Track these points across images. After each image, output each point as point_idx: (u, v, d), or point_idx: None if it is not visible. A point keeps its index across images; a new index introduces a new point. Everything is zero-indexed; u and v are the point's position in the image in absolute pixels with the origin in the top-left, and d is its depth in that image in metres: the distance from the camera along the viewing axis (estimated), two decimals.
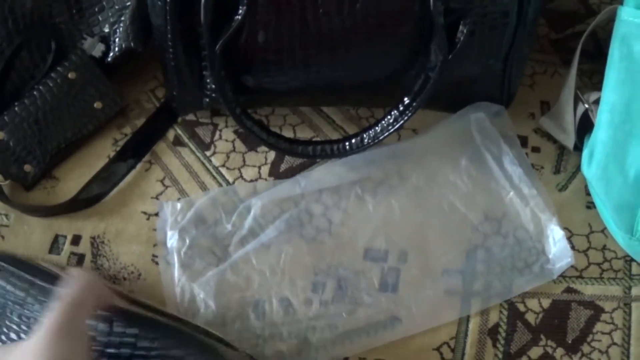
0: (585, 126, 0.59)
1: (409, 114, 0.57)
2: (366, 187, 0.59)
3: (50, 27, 0.61)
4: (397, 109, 0.57)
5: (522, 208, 0.57)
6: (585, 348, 0.53)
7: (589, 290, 0.56)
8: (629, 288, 0.56)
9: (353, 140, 0.59)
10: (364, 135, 0.58)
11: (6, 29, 0.60)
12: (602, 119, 0.55)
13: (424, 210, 0.58)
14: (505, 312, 0.55)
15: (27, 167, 0.60)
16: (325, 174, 0.59)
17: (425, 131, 0.62)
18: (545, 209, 0.57)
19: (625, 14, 0.51)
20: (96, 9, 0.62)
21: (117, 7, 0.61)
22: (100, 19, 0.62)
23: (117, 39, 0.61)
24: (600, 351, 0.53)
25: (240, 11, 0.53)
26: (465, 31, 0.53)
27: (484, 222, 0.57)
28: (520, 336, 0.54)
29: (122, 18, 0.61)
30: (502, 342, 0.54)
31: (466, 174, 0.59)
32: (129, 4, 0.61)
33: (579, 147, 0.61)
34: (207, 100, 0.61)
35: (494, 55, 0.57)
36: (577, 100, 0.60)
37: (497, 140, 0.60)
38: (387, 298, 0.55)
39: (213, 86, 0.59)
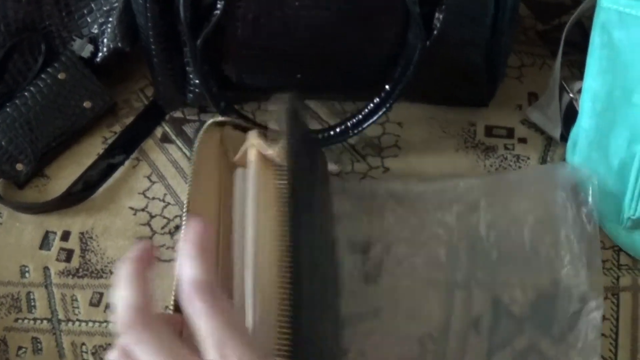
0: (571, 116, 0.59)
1: (391, 102, 0.57)
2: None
3: (41, 30, 0.63)
4: (379, 96, 0.57)
5: (566, 288, 0.53)
6: (572, 339, 0.53)
7: None
8: (617, 278, 0.55)
9: (337, 129, 0.59)
10: (348, 124, 0.58)
11: None
12: (585, 108, 0.54)
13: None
14: (490, 303, 0.54)
15: (19, 166, 0.61)
16: None
17: (513, 172, 0.60)
18: (593, 300, 0.52)
19: (605, 1, 0.51)
20: (85, 11, 0.63)
21: (105, 8, 0.63)
22: (89, 20, 0.63)
23: (105, 40, 0.63)
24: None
25: (218, 6, 0.54)
26: (440, 18, 0.53)
27: (527, 289, 0.54)
28: (504, 327, 0.53)
29: (110, 19, 0.62)
30: (486, 333, 0.53)
31: (530, 230, 0.56)
32: (116, 5, 0.62)
33: (565, 138, 0.60)
34: (191, 95, 0.61)
35: (474, 44, 0.57)
36: (562, 90, 0.60)
37: (576, 211, 0.55)
38: (369, 289, 0.54)
39: (196, 81, 0.60)
